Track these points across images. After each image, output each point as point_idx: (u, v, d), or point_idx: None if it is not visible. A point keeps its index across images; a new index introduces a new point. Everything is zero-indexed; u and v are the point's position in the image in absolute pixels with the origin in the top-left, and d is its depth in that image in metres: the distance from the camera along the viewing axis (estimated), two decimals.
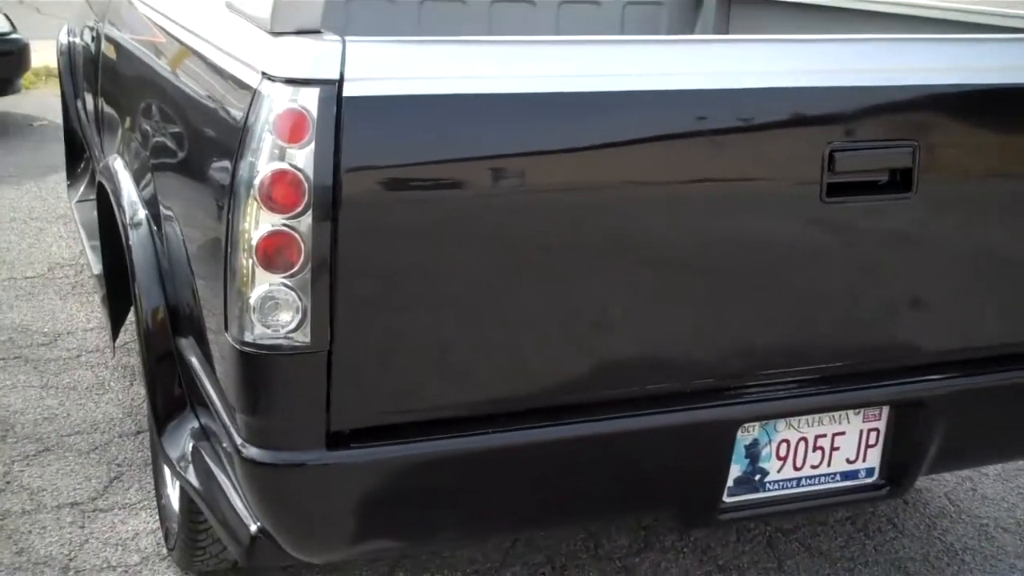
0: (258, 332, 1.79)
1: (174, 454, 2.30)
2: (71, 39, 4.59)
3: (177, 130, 2.31)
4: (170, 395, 2.35)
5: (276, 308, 1.78)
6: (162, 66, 2.52)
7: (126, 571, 2.85)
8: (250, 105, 1.77)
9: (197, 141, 2.13)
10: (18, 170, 6.51)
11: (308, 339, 1.78)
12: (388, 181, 1.77)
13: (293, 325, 1.78)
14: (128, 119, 2.81)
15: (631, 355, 2.03)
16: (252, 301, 1.77)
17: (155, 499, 2.98)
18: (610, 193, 1.92)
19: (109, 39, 3.28)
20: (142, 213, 2.51)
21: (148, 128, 2.56)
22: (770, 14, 3.83)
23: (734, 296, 2.05)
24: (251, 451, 1.87)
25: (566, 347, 1.96)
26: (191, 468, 2.24)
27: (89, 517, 3.08)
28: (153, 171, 2.49)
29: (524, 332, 1.92)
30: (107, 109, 3.22)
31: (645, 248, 1.98)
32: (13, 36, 7.05)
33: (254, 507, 1.96)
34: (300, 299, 1.77)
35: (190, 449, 2.26)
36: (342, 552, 2.13)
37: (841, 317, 2.15)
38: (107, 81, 3.27)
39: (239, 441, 1.89)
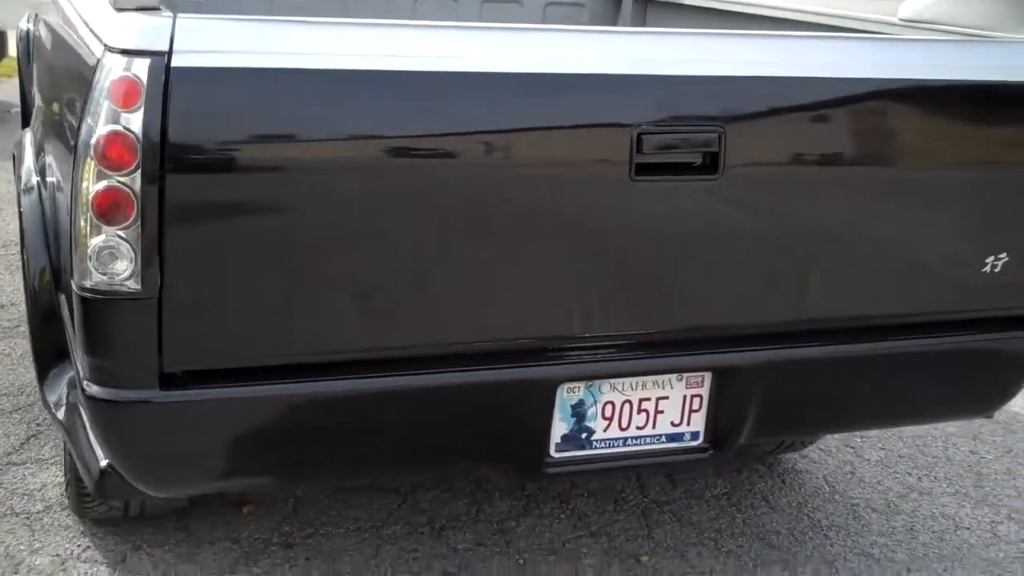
0: (96, 279, 1.98)
1: (51, 399, 2.50)
2: (29, 26, 4.79)
3: (55, 101, 2.51)
4: (51, 347, 2.53)
5: (112, 258, 1.96)
6: (53, 44, 2.72)
7: (28, 518, 3.05)
8: (93, 73, 1.97)
9: (65, 109, 2.33)
10: None
11: (139, 286, 1.97)
12: (211, 144, 1.96)
13: (126, 273, 1.97)
14: (36, 95, 3.01)
15: (454, 313, 2.20)
16: (90, 251, 1.96)
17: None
18: (429, 166, 2.10)
19: (39, 24, 3.49)
20: (34, 180, 2.70)
21: (41, 102, 2.76)
22: (680, 15, 4.02)
23: (555, 264, 2.22)
24: (92, 389, 2.06)
25: (386, 305, 2.14)
26: (62, 411, 2.43)
27: (1, 470, 3.27)
28: (43, 140, 2.69)
29: (345, 288, 2.10)
30: (31, 89, 3.43)
31: (468, 215, 2.15)
32: None
33: (98, 442, 2.16)
34: (132, 250, 1.96)
35: (63, 393, 2.45)
36: (180, 487, 2.32)
37: (658, 287, 2.33)
38: (32, 63, 3.48)
39: (84, 380, 2.09)
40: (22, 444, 3.43)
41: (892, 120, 2.42)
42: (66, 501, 3.07)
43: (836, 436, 3.84)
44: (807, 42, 2.44)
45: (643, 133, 2.16)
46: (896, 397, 2.63)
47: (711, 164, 2.23)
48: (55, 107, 2.61)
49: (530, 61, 2.13)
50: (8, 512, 3.06)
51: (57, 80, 2.59)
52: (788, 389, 2.51)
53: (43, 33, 3.19)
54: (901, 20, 2.95)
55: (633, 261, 2.28)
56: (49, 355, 2.55)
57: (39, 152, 2.82)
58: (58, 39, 2.72)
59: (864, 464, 3.72)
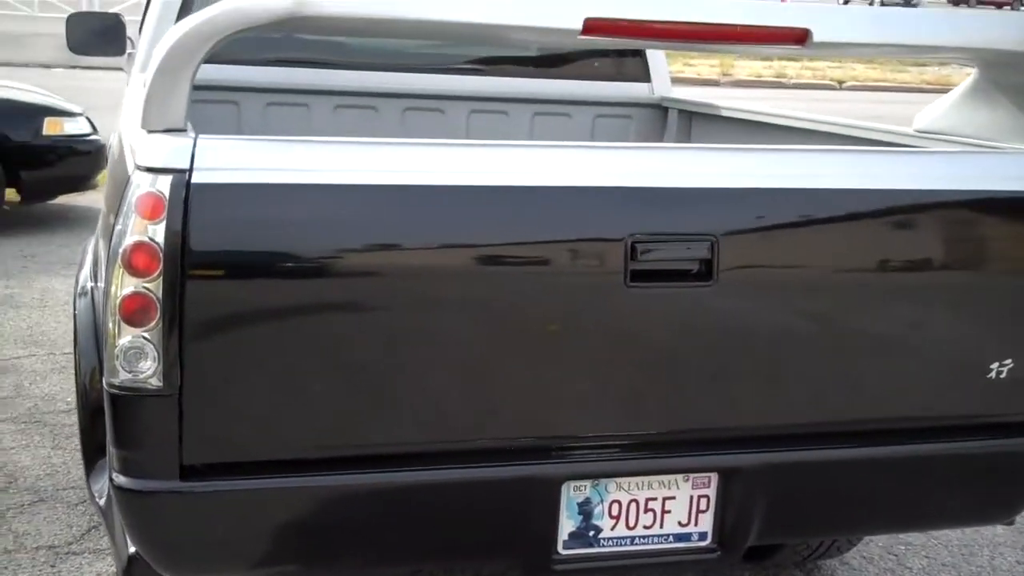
0: (123, 377, 2.15)
1: (95, 489, 2.67)
2: (111, 140, 5.13)
3: (108, 211, 2.73)
4: (97, 442, 2.71)
5: (138, 357, 2.14)
6: (112, 158, 2.96)
7: None
8: (125, 189, 2.16)
9: (111, 219, 2.54)
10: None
11: (161, 383, 2.14)
12: (229, 252, 2.13)
13: (150, 372, 2.14)
14: (103, 205, 3.25)
15: (462, 413, 2.32)
16: (117, 350, 2.14)
17: None
18: (435, 272, 2.25)
19: (113, 137, 3.77)
20: (88, 285, 2.92)
21: (104, 210, 2.99)
22: (721, 127, 4.16)
23: (556, 366, 2.34)
24: (120, 479, 2.22)
25: (395, 404, 2.27)
26: (103, 501, 2.60)
27: (61, 559, 3.46)
28: (97, 248, 2.91)
29: (355, 388, 2.24)
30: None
31: (475, 319, 2.29)
32: (92, 137, 7.72)
33: (126, 529, 2.31)
34: (156, 350, 2.13)
35: (104, 485, 2.61)
36: (204, 572, 2.44)
37: (659, 389, 2.42)
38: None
39: (113, 471, 2.25)
40: (82, 535, 3.61)
41: (888, 228, 2.50)
42: None
43: (879, 542, 3.83)
44: (798, 155, 2.55)
45: (636, 241, 2.28)
46: (902, 501, 2.66)
47: (705, 271, 2.33)
48: (108, 217, 2.83)
49: (528, 175, 2.27)
50: None
51: (109, 192, 2.81)
52: (793, 491, 2.57)
53: (112, 147, 3.45)
54: (916, 131, 3.04)
55: (636, 364, 2.38)
56: (95, 449, 2.72)
57: (96, 259, 3.04)
58: (114, 154, 2.96)
59: (906, 572, 3.70)
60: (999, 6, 45.10)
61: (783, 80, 22.71)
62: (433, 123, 4.34)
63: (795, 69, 23.64)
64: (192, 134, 2.14)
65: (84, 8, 18.11)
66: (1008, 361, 2.57)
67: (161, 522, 2.26)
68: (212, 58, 4.16)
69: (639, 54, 4.59)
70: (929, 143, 2.96)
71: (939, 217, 2.53)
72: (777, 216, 2.42)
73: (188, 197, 2.08)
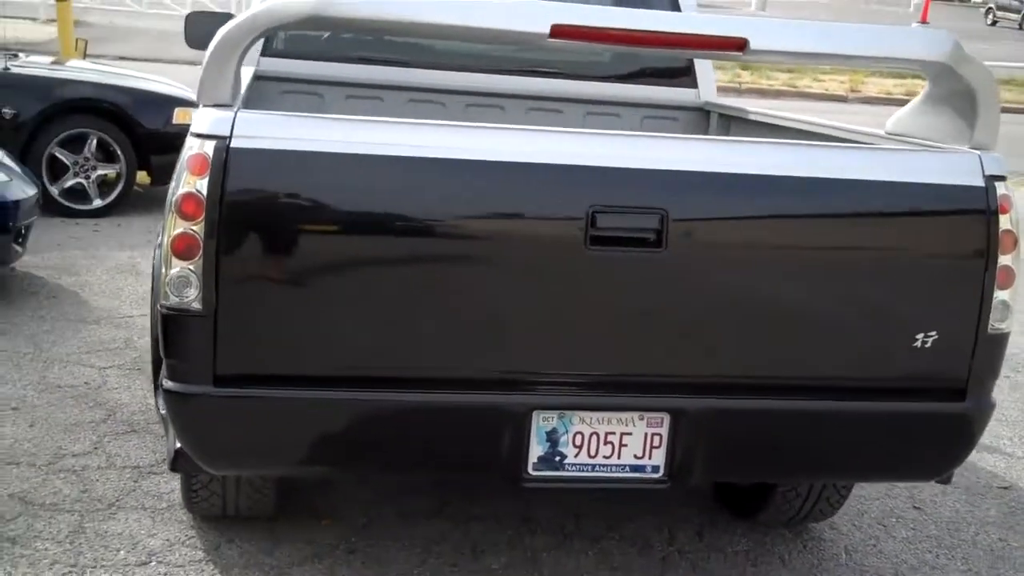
0: (172, 300, 2.70)
1: (159, 402, 3.24)
2: None
3: None
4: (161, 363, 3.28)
5: (184, 285, 2.69)
6: None
7: (153, 512, 3.79)
8: (183, 151, 2.72)
9: None
10: None
11: (201, 306, 2.69)
12: (258, 203, 2.67)
13: (193, 297, 2.69)
14: None
15: (449, 346, 2.81)
16: (168, 279, 2.69)
17: None
18: (427, 227, 2.75)
19: None
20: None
21: None
22: (752, 128, 4.56)
23: (529, 313, 2.81)
24: (167, 383, 2.78)
25: (393, 336, 2.76)
26: (164, 410, 3.16)
27: (144, 476, 4.06)
28: None
29: (360, 320, 2.75)
30: None
31: (462, 270, 2.78)
32: None
33: (172, 426, 2.86)
34: (198, 279, 2.68)
35: (163, 397, 3.18)
36: (231, 467, 2.98)
37: (616, 338, 2.87)
38: None
39: (163, 378, 2.81)
40: (163, 460, 4.20)
41: (825, 211, 2.90)
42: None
43: (871, 513, 4.18)
44: (748, 146, 2.97)
45: (596, 211, 2.74)
46: (832, 452, 3.04)
47: (656, 239, 2.77)
48: None
49: (507, 153, 2.76)
50: (140, 507, 3.83)
51: None
52: (734, 434, 2.98)
53: None
54: (887, 133, 3.42)
55: (597, 316, 2.83)
56: (160, 368, 3.29)
57: None
58: None
59: (889, 540, 4.04)
60: None
61: (911, 97, 22.53)
62: (493, 118, 4.84)
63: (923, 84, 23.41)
64: (233, 108, 2.69)
65: (190, 8, 19.23)
66: (932, 333, 2.94)
67: (198, 421, 2.81)
68: (301, 55, 4.78)
69: (688, 62, 5.01)
70: (886, 143, 3.34)
71: (876, 203, 2.92)
72: (726, 195, 2.85)
73: (227, 159, 2.63)
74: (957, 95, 3.05)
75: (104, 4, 22.38)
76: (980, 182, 2.92)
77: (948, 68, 2.91)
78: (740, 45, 2.75)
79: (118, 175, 7.93)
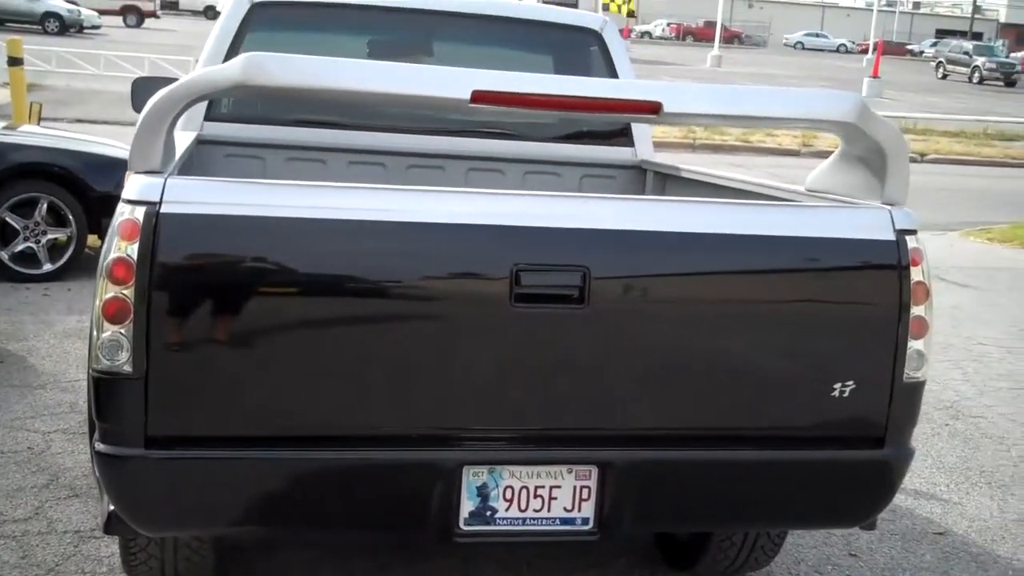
0: (103, 364, 2.75)
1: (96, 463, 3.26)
2: None
3: None
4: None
5: (116, 348, 2.73)
6: None
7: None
8: (114, 217, 2.78)
9: None
10: None
11: (132, 369, 2.73)
12: (190, 266, 2.73)
13: (123, 359, 2.73)
14: None
15: (377, 403, 2.86)
16: (100, 343, 2.74)
17: None
18: (354, 287, 2.81)
19: None
20: None
21: None
22: (686, 186, 4.68)
23: (457, 370, 2.87)
24: (99, 446, 2.81)
25: (319, 396, 2.82)
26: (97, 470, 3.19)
27: (84, 541, 4.07)
28: None
29: (287, 381, 2.80)
30: None
31: (390, 327, 2.84)
32: None
33: (104, 489, 2.89)
34: (128, 343, 2.72)
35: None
36: (163, 528, 3.01)
37: (542, 393, 2.93)
38: None
39: (95, 440, 2.84)
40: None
41: (744, 266, 2.99)
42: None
43: (808, 561, 4.24)
44: (665, 204, 3.07)
45: (520, 270, 2.82)
46: (757, 501, 3.11)
47: (579, 296, 2.85)
48: None
49: (438, 214, 2.84)
50: (79, 572, 3.84)
51: None
52: (660, 485, 3.04)
53: None
54: (806, 189, 3.54)
55: (523, 370, 2.90)
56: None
57: None
58: None
59: None
60: None
61: None
62: (434, 179, 4.93)
63: None
64: (163, 174, 2.76)
65: (146, 72, 19.35)
66: (850, 383, 3.03)
67: (130, 483, 2.84)
68: (244, 119, 4.87)
69: (625, 123, 5.13)
70: (805, 199, 3.45)
71: (793, 257, 3.02)
72: (646, 253, 2.93)
73: (157, 224, 2.69)
74: (868, 152, 3.17)
75: (62, 67, 22.40)
76: (891, 236, 3.03)
77: (856, 128, 3.03)
78: (654, 109, 2.86)
79: (69, 239, 7.94)
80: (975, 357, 7.36)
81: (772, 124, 3.18)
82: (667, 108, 2.85)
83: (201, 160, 4.65)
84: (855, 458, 3.09)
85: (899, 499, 4.81)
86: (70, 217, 7.87)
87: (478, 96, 2.78)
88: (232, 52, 4.64)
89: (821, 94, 3.03)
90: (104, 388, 2.78)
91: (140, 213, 2.70)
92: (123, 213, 2.73)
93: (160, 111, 2.78)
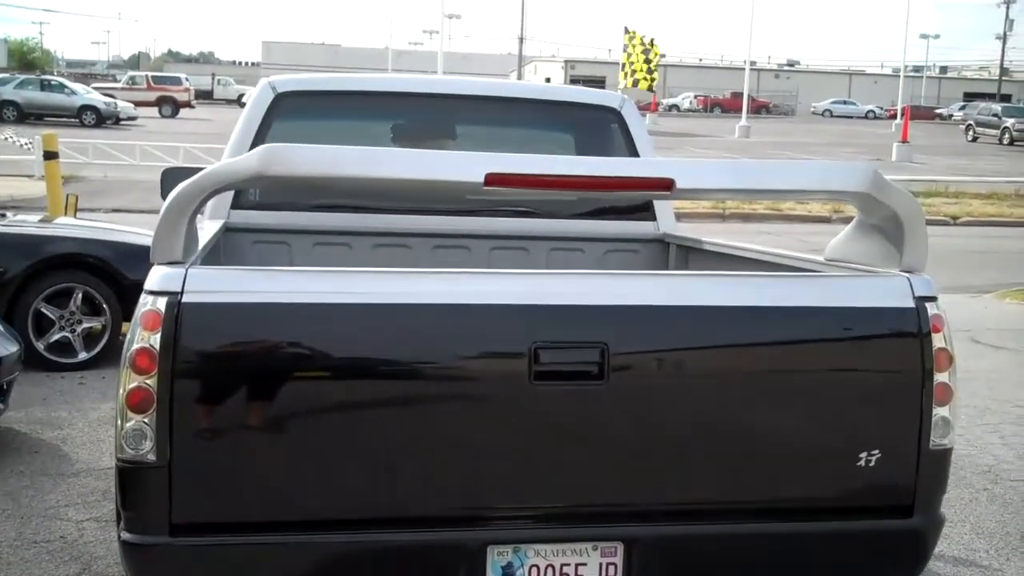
0: (128, 453, 2.78)
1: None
2: None
3: None
4: None
5: (140, 438, 2.77)
6: None
7: None
8: (137, 308, 2.83)
9: None
10: None
11: (155, 458, 2.76)
12: (212, 355, 2.77)
13: (147, 448, 2.76)
14: None
15: (402, 487, 2.87)
16: (124, 432, 2.77)
17: None
18: (374, 371, 2.84)
19: None
20: None
21: None
22: (707, 258, 4.69)
23: (479, 449, 2.88)
24: (124, 535, 2.83)
25: (345, 481, 2.84)
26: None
27: None
28: None
29: (312, 467, 2.82)
30: None
31: (411, 411, 2.86)
32: None
33: None
34: (152, 432, 2.75)
35: None
36: None
37: (565, 470, 2.93)
38: None
39: (120, 529, 2.86)
40: None
41: (766, 337, 3.00)
42: None
43: None
44: (686, 279, 3.09)
45: (538, 348, 2.84)
46: (786, 573, 3.08)
47: (598, 372, 2.86)
48: None
49: (457, 295, 2.87)
50: None
51: None
52: (686, 560, 3.02)
53: None
54: (825, 259, 3.55)
55: (546, 450, 2.91)
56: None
57: None
58: None
59: None
60: None
61: None
62: (460, 258, 4.97)
63: None
64: (184, 265, 2.81)
65: (179, 162, 19.68)
66: (876, 452, 3.01)
67: (155, 571, 2.85)
68: (269, 206, 4.95)
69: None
70: (824, 268, 3.46)
71: (813, 328, 3.02)
72: (665, 327, 2.95)
73: (179, 314, 2.73)
74: (884, 221, 3.18)
75: (99, 159, 22.86)
76: (911, 303, 3.03)
77: (871, 197, 3.04)
78: (667, 185, 2.89)
79: (103, 327, 8.03)
80: (1013, 420, 7.25)
81: (787, 197, 3.20)
82: (680, 185, 2.88)
83: (228, 247, 4.72)
84: (884, 528, 3.06)
85: (939, 566, 4.74)
86: (104, 306, 7.97)
87: (492, 179, 2.82)
88: (258, 141, 4.72)
89: (835, 166, 3.06)
90: (128, 477, 2.81)
91: (162, 304, 2.75)
92: (145, 304, 2.78)
93: (181, 203, 2.84)
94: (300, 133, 4.85)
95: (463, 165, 2.85)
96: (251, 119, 4.94)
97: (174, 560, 2.83)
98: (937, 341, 3.03)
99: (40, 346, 7.84)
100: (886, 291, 3.07)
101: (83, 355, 7.96)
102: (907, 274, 3.11)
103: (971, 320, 10.56)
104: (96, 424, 6.59)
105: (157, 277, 2.80)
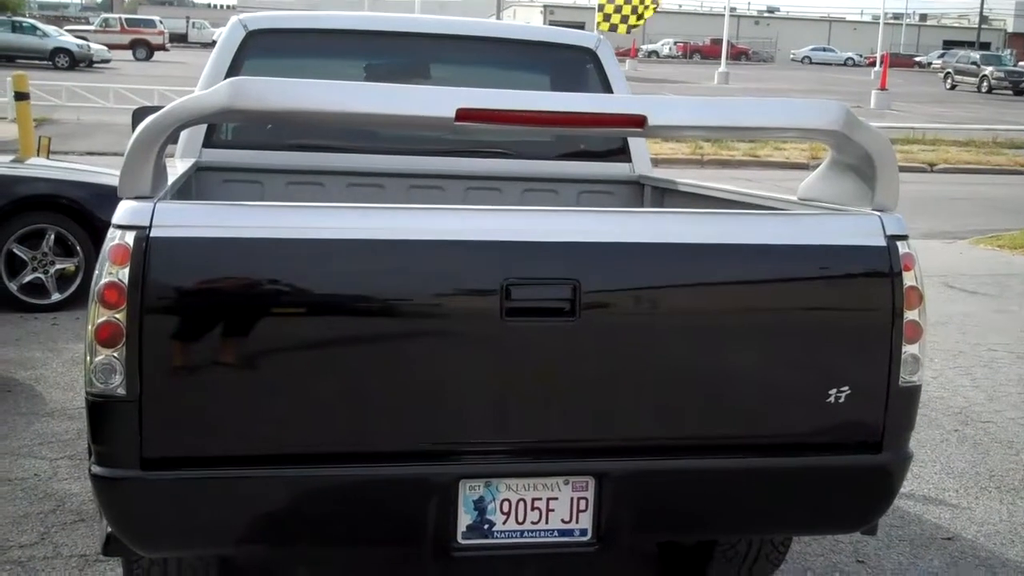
0: (97, 388, 2.77)
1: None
2: None
3: None
4: None
5: (109, 372, 2.75)
6: None
7: None
8: (104, 243, 2.81)
9: None
10: None
11: (125, 392, 2.75)
12: (180, 289, 2.74)
13: (117, 382, 2.75)
14: None
15: (373, 420, 2.87)
16: (93, 367, 2.76)
17: None
18: (349, 309, 2.83)
19: None
20: None
21: None
22: (683, 199, 4.69)
23: (451, 385, 2.88)
24: (95, 468, 2.83)
25: (315, 414, 2.83)
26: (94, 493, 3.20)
27: (90, 565, 4.08)
28: None
29: (282, 400, 2.81)
30: None
31: (387, 350, 2.85)
32: None
33: (102, 511, 2.90)
34: (122, 366, 2.74)
35: None
36: (161, 549, 3.02)
37: (537, 405, 2.94)
38: None
39: (91, 462, 2.86)
40: None
41: (739, 275, 2.99)
42: None
43: (817, 570, 4.23)
44: (658, 216, 3.08)
45: (510, 284, 2.83)
46: (755, 508, 3.11)
47: (569, 309, 2.86)
48: None
49: (428, 231, 2.85)
50: None
51: None
52: (658, 494, 3.04)
53: None
54: (798, 198, 3.55)
55: (516, 383, 2.91)
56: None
57: None
58: None
59: None
60: None
61: None
62: (434, 199, 4.95)
63: None
64: (152, 199, 2.78)
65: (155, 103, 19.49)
66: (845, 388, 3.03)
67: (127, 504, 2.85)
68: (243, 145, 4.91)
69: (622, 140, 5.15)
70: (796, 207, 3.46)
71: (785, 265, 3.02)
72: (636, 264, 2.94)
73: (147, 248, 2.71)
74: (857, 160, 3.17)
75: (72, 101, 22.60)
76: (882, 242, 3.04)
77: (843, 135, 3.03)
78: (639, 122, 2.87)
79: (76, 268, 7.99)
80: (985, 363, 7.33)
81: (759, 135, 3.20)
82: (652, 121, 2.86)
83: (200, 186, 4.68)
84: (853, 463, 3.09)
85: (908, 505, 4.80)
86: (77, 247, 7.92)
87: (463, 114, 2.80)
88: None
89: (807, 104, 3.04)
90: (99, 411, 2.80)
91: (130, 237, 2.72)
92: (113, 238, 2.76)
93: (149, 136, 2.81)
94: (272, 72, 4.79)
95: (434, 100, 2.82)
96: (222, 58, 4.88)
97: (144, 493, 2.83)
98: (908, 279, 3.04)
99: (13, 287, 7.80)
100: (857, 229, 3.07)
101: (56, 296, 7.92)
102: (879, 213, 3.11)
103: (946, 266, 10.62)
104: (70, 364, 6.57)
105: (125, 211, 2.77)
